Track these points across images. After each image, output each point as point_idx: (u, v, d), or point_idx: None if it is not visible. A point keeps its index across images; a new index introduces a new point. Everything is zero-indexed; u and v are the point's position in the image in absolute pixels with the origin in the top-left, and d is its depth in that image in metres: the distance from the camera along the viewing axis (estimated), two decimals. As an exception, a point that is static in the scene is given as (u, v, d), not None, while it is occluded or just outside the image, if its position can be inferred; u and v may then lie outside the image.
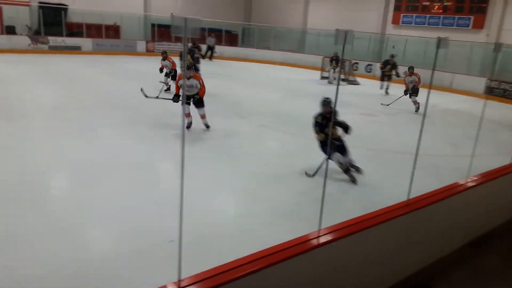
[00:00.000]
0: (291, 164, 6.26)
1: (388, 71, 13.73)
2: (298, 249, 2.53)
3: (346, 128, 5.31)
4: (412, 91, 10.97)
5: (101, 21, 20.76)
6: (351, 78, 16.73)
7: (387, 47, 20.19)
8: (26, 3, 19.75)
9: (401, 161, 6.47)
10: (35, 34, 19.49)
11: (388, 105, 11.58)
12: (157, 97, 8.52)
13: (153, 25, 22.98)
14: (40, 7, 19.87)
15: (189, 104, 7.58)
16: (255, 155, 6.78)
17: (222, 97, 11.49)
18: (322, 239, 2.63)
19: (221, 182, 5.49)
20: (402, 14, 20.35)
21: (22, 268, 3.33)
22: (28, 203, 4.47)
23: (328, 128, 5.35)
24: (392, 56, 14.12)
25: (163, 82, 10.76)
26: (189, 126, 7.69)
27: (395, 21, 20.66)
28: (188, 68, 11.72)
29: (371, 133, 8.56)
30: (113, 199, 4.67)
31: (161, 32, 22.47)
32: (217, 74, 15.91)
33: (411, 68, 11.24)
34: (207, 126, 7.84)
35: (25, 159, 5.79)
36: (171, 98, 7.90)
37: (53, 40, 19.45)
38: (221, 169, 5.96)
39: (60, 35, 20.00)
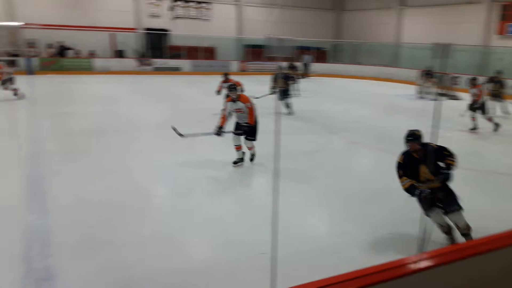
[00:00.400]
0: (385, 182, 6.03)
1: (495, 89, 12.29)
2: (395, 273, 2.44)
3: (445, 177, 3.92)
4: (477, 107, 9.52)
5: (198, 44, 22.22)
6: (451, 93, 15.70)
7: (492, 59, 18.61)
8: (133, 30, 21.99)
9: (508, 184, 5.93)
10: (141, 57, 21.52)
11: (463, 116, 9.97)
12: (194, 135, 7.05)
13: (246, 46, 23.97)
14: (145, 33, 22.00)
15: (239, 134, 6.51)
16: (347, 172, 6.69)
17: (313, 113, 11.52)
18: (422, 264, 2.52)
19: (312, 198, 5.51)
20: (508, 24, 18.68)
21: (123, 270, 3.66)
22: (132, 211, 4.90)
23: (419, 171, 3.98)
24: (498, 72, 12.25)
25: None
26: (237, 162, 6.58)
27: (500, 31, 19.02)
28: (281, 92, 11.65)
29: (472, 152, 7.96)
30: (208, 210, 4.95)
31: (253, 52, 23.33)
32: (309, 90, 16.02)
33: (473, 80, 9.89)
34: (252, 159, 6.73)
35: (131, 169, 6.36)
36: (214, 132, 6.52)
37: (157, 61, 21.32)
38: (313, 186, 5.99)
39: (163, 57, 21.86)
